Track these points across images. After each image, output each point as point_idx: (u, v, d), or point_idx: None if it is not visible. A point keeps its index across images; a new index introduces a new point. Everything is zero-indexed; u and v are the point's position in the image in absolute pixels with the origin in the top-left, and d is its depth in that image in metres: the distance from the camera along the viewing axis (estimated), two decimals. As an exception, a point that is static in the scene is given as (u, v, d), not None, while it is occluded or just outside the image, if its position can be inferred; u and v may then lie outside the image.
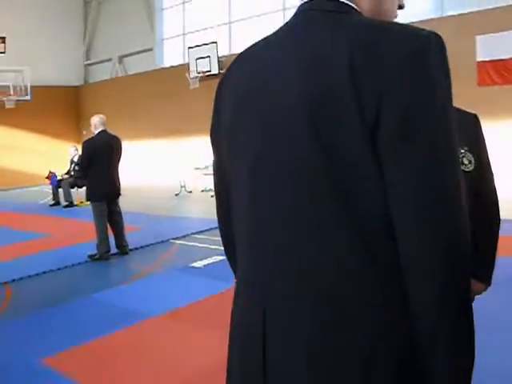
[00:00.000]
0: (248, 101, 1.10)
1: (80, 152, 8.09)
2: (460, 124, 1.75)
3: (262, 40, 1.16)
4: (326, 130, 0.96)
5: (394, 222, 0.95)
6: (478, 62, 11.47)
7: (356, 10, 1.06)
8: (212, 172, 1.31)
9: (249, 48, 1.19)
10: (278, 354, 1.05)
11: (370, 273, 0.97)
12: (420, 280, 0.94)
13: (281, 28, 1.13)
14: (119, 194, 7.40)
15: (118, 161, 7.41)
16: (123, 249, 7.37)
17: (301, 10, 1.09)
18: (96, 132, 7.21)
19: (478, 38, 11.33)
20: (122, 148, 7.45)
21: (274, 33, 1.14)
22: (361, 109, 0.92)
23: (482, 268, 2.01)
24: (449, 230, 0.92)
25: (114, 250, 7.30)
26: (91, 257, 7.08)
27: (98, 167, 7.00)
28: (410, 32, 0.95)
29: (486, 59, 11.40)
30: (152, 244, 8.03)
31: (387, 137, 0.92)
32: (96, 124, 7.21)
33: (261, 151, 1.07)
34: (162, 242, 8.20)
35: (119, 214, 7.37)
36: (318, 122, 0.97)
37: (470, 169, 1.90)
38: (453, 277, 0.93)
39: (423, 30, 0.96)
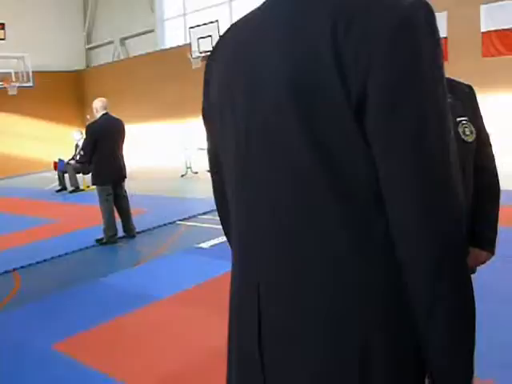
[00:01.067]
0: (233, 81, 1.08)
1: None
2: (457, 95, 1.71)
3: (245, 17, 1.13)
4: (311, 106, 0.93)
5: (384, 197, 0.92)
6: (483, 33, 11.30)
7: None
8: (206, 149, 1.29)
9: (232, 26, 1.15)
10: (273, 335, 1.05)
11: (364, 250, 0.95)
12: (412, 255, 0.91)
13: (263, 3, 1.08)
14: (125, 177, 7.37)
15: (122, 143, 7.38)
16: (130, 232, 7.38)
17: None
18: (98, 116, 7.17)
19: (483, 7, 11.15)
20: (125, 130, 7.42)
21: (257, 9, 1.10)
22: (345, 84, 0.89)
23: (485, 236, 2.00)
24: (440, 203, 0.89)
25: (121, 233, 7.31)
26: (98, 241, 7.09)
27: (103, 151, 6.97)
28: (395, 1, 0.90)
29: (492, 29, 11.23)
30: (159, 226, 8.04)
31: (374, 111, 0.89)
32: (98, 108, 7.16)
33: (245, 132, 1.05)
34: (169, 223, 8.20)
35: (125, 197, 7.36)
36: (302, 99, 0.94)
37: (472, 139, 1.86)
38: (446, 250, 0.90)
39: None
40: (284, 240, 1.02)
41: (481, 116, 1.98)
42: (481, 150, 1.93)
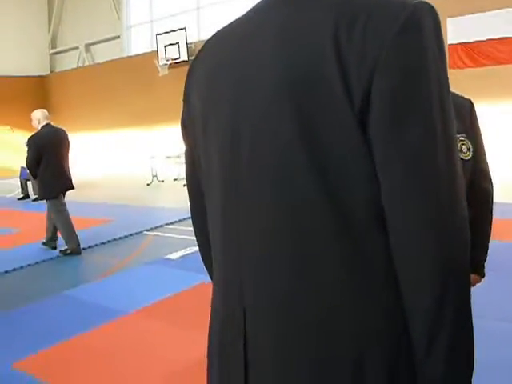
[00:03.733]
0: (218, 88, 1.00)
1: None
2: (455, 109, 1.62)
3: (230, 24, 1.05)
4: (309, 112, 0.86)
5: (385, 213, 0.85)
6: (450, 45, 11.48)
7: None
8: (184, 161, 1.19)
9: (216, 33, 1.07)
10: (260, 353, 0.96)
11: (358, 264, 0.88)
12: (414, 280, 0.85)
13: (252, 9, 1.01)
14: (73, 188, 7.10)
15: (68, 153, 7.08)
16: (52, 243, 7.22)
17: None
18: (40, 127, 6.91)
19: (449, 20, 11.34)
20: (69, 140, 7.13)
21: (244, 15, 1.02)
22: (348, 90, 0.82)
23: (479, 261, 1.92)
24: (447, 225, 0.83)
25: (89, 243, 7.10)
26: (62, 252, 6.87)
27: (49, 162, 6.68)
28: (399, 3, 0.84)
29: (457, 42, 11.41)
30: (125, 236, 7.87)
31: (377, 120, 0.82)
32: (40, 118, 6.90)
33: (232, 142, 0.97)
34: (136, 233, 8.03)
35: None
36: (298, 105, 0.87)
37: (469, 157, 1.77)
38: (452, 276, 0.83)
39: None
40: (274, 260, 0.93)
41: (479, 133, 1.90)
42: (477, 167, 1.86)
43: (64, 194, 6.98)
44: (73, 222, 6.95)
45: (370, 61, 0.81)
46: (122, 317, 4.53)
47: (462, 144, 1.75)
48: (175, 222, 8.43)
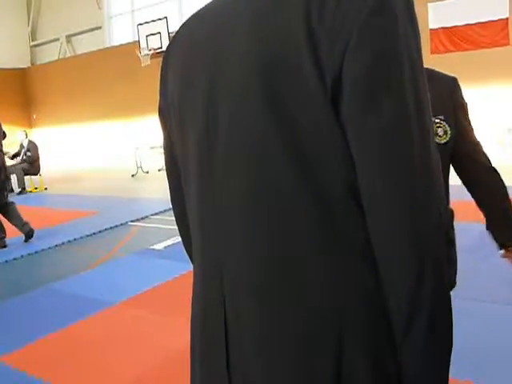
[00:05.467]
0: (193, 74, 0.99)
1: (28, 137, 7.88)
2: (436, 88, 1.58)
3: (204, 8, 1.03)
4: (281, 96, 0.85)
5: (361, 195, 0.85)
6: (431, 30, 11.50)
7: None
8: (163, 150, 1.19)
9: (190, 18, 1.06)
10: (240, 348, 0.96)
11: (336, 244, 0.88)
12: (391, 263, 0.85)
13: None
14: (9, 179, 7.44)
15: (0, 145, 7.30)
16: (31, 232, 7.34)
17: None
18: None
19: (430, 5, 11.35)
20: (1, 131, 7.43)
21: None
22: (320, 73, 0.81)
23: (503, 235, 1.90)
24: (422, 209, 0.82)
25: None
26: None
27: None
28: None
29: (439, 26, 11.43)
30: (111, 228, 7.85)
31: (348, 103, 0.81)
32: None
33: (208, 126, 0.96)
34: (121, 225, 8.02)
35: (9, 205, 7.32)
36: (271, 86, 0.85)
37: (445, 140, 1.74)
38: (427, 258, 0.83)
39: None
40: (256, 244, 0.93)
41: (465, 112, 1.85)
42: (466, 146, 1.83)
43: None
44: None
45: (341, 43, 0.79)
46: (109, 307, 4.54)
47: (438, 127, 1.73)
48: (160, 212, 8.40)
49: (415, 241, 0.82)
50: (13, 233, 7.39)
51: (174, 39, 1.08)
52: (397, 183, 0.81)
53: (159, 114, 1.14)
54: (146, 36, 16.76)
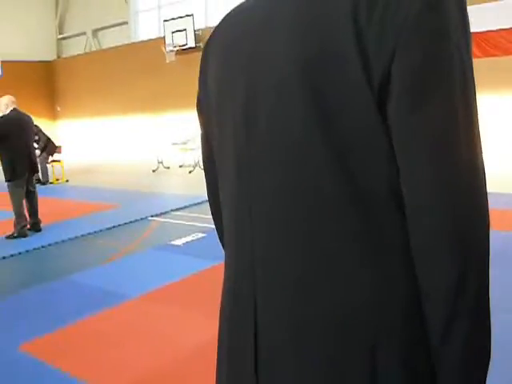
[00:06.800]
0: (233, 67, 0.98)
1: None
2: None
3: (244, 3, 1.02)
4: (324, 94, 0.83)
5: (404, 194, 0.83)
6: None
7: None
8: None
9: (230, 12, 1.05)
10: (269, 346, 0.95)
11: (376, 249, 0.86)
12: (432, 270, 0.82)
13: None
14: (36, 172, 7.55)
15: (33, 138, 7.61)
16: (37, 227, 7.46)
17: None
18: (8, 111, 7.27)
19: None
20: (33, 125, 7.73)
21: None
22: (366, 70, 0.79)
23: None
24: (467, 219, 0.80)
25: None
26: (9, 237, 7.15)
27: (13, 145, 7.01)
28: None
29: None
30: (131, 222, 7.89)
31: (396, 102, 0.79)
32: (7, 103, 7.29)
33: (247, 122, 0.95)
34: (141, 219, 8.06)
35: (35, 193, 7.46)
36: (314, 84, 0.84)
37: None
38: (471, 265, 0.80)
39: None
40: (290, 240, 0.91)
41: None
42: None
43: (29, 178, 7.28)
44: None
45: (391, 41, 0.78)
46: (127, 301, 4.57)
47: None
48: (180, 208, 8.45)
49: (460, 241, 0.80)
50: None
51: (215, 32, 1.07)
52: (443, 184, 0.79)
53: (197, 106, 1.13)
54: (172, 32, 16.83)
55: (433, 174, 0.79)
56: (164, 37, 17.11)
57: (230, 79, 0.99)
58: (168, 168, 14.66)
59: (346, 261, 0.87)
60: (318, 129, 0.84)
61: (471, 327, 0.83)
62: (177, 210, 8.44)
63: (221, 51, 1.02)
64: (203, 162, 1.18)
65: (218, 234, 1.23)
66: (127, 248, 6.46)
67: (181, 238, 6.66)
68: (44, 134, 12.95)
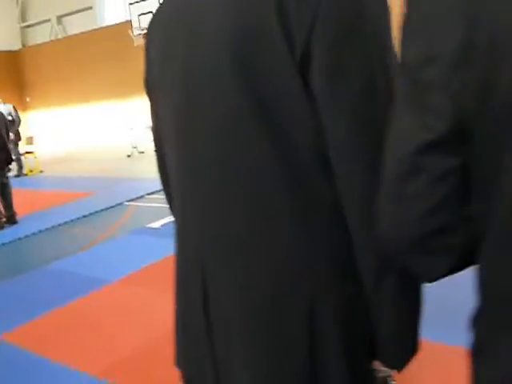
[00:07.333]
0: (172, 47, 1.02)
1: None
2: None
3: None
4: (251, 63, 0.89)
5: (330, 158, 0.88)
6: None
7: None
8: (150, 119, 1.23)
9: None
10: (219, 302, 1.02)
11: (305, 211, 0.92)
12: (358, 229, 0.89)
13: None
14: (10, 163, 7.46)
15: (6, 129, 7.51)
16: (12, 219, 7.40)
17: None
18: None
19: None
20: (5, 117, 7.78)
21: None
22: (288, 40, 0.84)
23: None
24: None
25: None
26: None
27: None
28: None
29: None
30: (107, 208, 7.90)
31: (318, 72, 0.85)
32: None
33: (184, 99, 1.00)
34: (117, 205, 8.07)
35: (7, 184, 7.41)
36: (243, 55, 0.89)
37: None
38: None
39: None
40: (230, 203, 0.98)
41: None
42: None
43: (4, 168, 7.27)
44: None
45: (310, 13, 0.83)
46: (107, 285, 4.61)
47: None
48: (156, 191, 8.41)
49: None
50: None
51: (156, 15, 1.11)
52: (362, 144, 0.85)
53: (144, 85, 1.17)
54: (138, 15, 16.63)
55: (351, 134, 0.85)
56: (130, 20, 16.90)
57: (169, 60, 1.03)
58: (143, 152, 14.60)
59: (279, 221, 0.93)
60: (246, 97, 0.90)
61: (401, 280, 0.89)
62: (153, 193, 8.44)
63: (161, 34, 1.06)
64: (153, 138, 1.22)
65: (168, 204, 1.29)
66: (105, 234, 6.48)
67: (158, 220, 6.69)
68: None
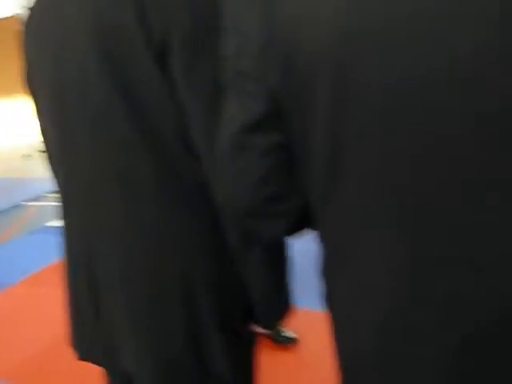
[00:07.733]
0: (42, 43, 1.07)
1: None
2: None
3: None
4: (112, 53, 0.95)
5: (194, 142, 0.97)
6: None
7: None
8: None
9: None
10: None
11: (175, 194, 1.01)
12: (219, 201, 0.94)
13: None
14: None
15: None
16: None
17: None
18: None
19: None
20: None
21: None
22: (146, 29, 0.91)
23: None
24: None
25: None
26: None
27: None
28: None
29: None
30: (5, 210, 7.63)
31: (174, 58, 0.92)
32: None
33: (59, 94, 1.05)
34: (16, 206, 7.82)
35: None
36: (106, 50, 0.95)
37: None
38: None
39: None
40: (104, 182, 1.05)
41: None
42: None
43: None
44: None
45: (165, 9, 0.91)
46: (8, 287, 4.51)
47: None
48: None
49: None
50: None
51: (31, 11, 1.15)
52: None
53: (25, 80, 1.21)
54: (26, 9, 15.96)
55: (206, 115, 0.94)
56: (20, 14, 16.21)
57: (41, 55, 1.08)
58: (43, 152, 14.07)
59: (149, 203, 1.02)
60: (113, 85, 0.96)
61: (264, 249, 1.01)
62: (52, 192, 8.18)
63: (34, 28, 1.11)
64: (41, 132, 1.27)
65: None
66: (4, 236, 6.27)
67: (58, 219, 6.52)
68: None
